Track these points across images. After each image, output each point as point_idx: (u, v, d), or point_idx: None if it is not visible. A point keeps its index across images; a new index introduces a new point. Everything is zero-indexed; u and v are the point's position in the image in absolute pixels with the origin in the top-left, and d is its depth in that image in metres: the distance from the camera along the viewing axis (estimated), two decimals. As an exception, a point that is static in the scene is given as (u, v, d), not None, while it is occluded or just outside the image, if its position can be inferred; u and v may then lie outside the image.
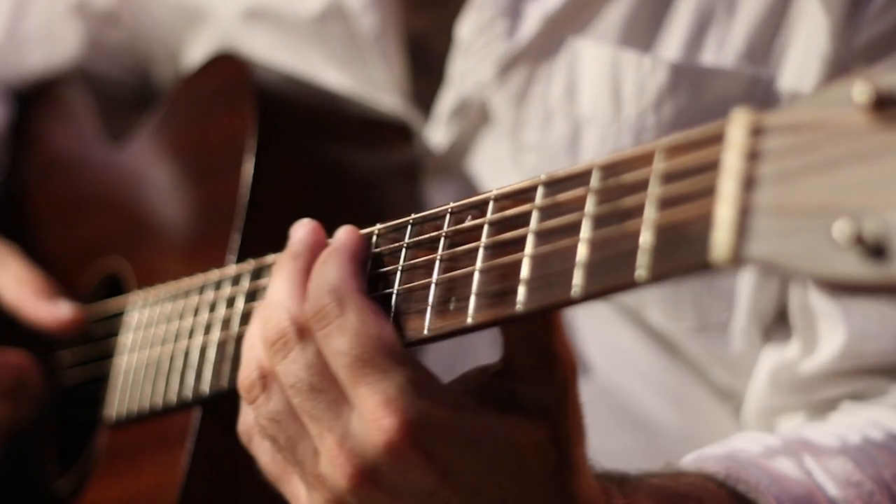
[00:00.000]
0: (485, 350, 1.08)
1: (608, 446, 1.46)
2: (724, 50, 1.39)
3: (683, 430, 1.48)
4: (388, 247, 1.12)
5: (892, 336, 1.35)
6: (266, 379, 1.10)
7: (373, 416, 1.02)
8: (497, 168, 1.51)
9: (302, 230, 1.14)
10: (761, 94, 1.38)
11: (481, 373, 1.07)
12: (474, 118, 1.51)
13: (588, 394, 1.47)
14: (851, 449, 1.31)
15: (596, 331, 1.49)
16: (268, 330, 1.09)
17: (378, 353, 1.04)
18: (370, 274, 1.12)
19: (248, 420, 1.15)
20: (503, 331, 1.06)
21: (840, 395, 1.40)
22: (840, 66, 1.34)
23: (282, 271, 1.12)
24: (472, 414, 1.04)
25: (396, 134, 1.55)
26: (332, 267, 1.08)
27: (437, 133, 1.53)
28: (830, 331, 1.37)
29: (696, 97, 1.40)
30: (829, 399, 1.41)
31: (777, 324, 1.44)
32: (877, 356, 1.37)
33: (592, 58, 1.42)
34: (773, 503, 1.24)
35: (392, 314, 1.09)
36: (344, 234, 1.13)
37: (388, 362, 1.04)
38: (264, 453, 1.14)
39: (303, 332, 1.07)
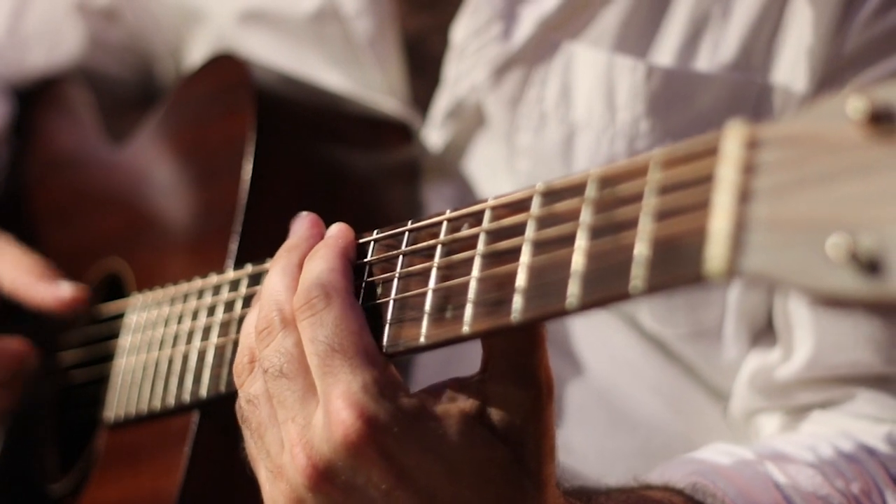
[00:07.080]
0: (477, 356, 1.08)
1: (604, 447, 1.47)
2: (719, 55, 1.39)
3: (678, 431, 1.48)
4: (385, 254, 1.12)
5: (864, 347, 1.36)
6: (253, 364, 1.13)
7: (332, 407, 1.03)
8: (491, 171, 1.51)
9: (301, 223, 1.17)
10: (754, 100, 1.37)
11: (456, 384, 1.07)
12: (469, 120, 1.51)
13: (584, 395, 1.49)
14: (820, 462, 1.32)
15: (592, 334, 1.49)
16: (259, 318, 1.12)
17: (351, 347, 1.05)
18: (367, 281, 1.12)
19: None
20: (485, 346, 1.06)
21: (814, 401, 1.42)
22: (831, 69, 1.34)
23: (278, 263, 1.14)
24: (434, 422, 1.04)
25: (395, 135, 1.54)
26: (322, 261, 1.11)
27: (433, 135, 1.53)
28: (802, 339, 1.38)
29: (690, 103, 1.39)
30: (804, 405, 1.42)
31: (767, 330, 1.45)
32: (849, 366, 1.38)
33: (587, 62, 1.42)
34: None
35: (388, 321, 1.09)
36: (335, 229, 1.15)
37: (359, 358, 1.05)
38: (246, 437, 1.16)
39: (286, 322, 1.10)
